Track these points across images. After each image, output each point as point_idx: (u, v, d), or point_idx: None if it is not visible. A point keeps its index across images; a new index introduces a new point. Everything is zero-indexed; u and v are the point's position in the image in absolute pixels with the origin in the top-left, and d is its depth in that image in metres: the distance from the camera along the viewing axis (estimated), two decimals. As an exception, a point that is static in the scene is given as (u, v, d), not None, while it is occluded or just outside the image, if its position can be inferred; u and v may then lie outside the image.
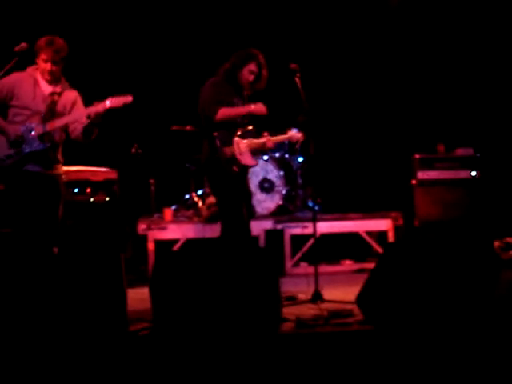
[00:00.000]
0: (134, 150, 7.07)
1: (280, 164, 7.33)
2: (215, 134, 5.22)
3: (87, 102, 4.95)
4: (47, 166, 4.86)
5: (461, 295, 4.07)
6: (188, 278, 4.03)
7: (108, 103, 4.72)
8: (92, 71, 7.39)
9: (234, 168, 5.25)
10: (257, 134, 5.49)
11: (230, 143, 5.24)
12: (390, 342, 3.92)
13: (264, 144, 5.51)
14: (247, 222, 5.41)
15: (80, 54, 6.87)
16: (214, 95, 5.25)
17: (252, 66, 5.34)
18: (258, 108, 5.39)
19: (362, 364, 3.65)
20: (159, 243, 6.63)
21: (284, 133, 5.77)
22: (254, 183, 7.14)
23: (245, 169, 5.41)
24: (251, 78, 5.37)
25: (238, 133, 5.32)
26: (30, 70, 4.89)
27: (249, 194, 5.59)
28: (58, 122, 4.80)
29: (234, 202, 5.29)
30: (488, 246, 4.64)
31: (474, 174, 7.25)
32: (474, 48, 8.14)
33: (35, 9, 7.35)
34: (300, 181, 7.48)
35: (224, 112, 5.19)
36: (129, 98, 4.78)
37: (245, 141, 5.35)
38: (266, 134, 5.66)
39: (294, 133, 5.73)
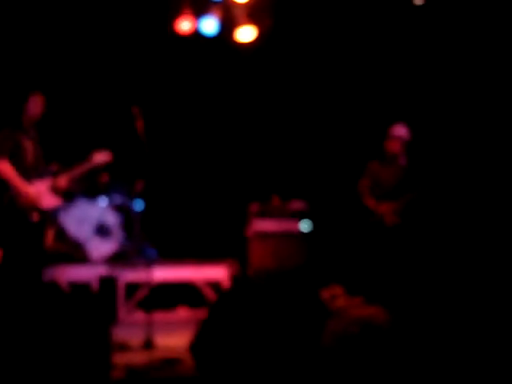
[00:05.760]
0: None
1: (118, 209, 7.24)
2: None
3: None
4: None
5: (288, 343, 4.19)
6: (12, 323, 3.83)
7: None
8: None
9: (35, 216, 5.09)
10: (58, 171, 5.36)
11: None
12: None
13: (67, 181, 5.37)
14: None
15: None
16: None
17: (36, 99, 5.22)
18: (102, 158, 5.40)
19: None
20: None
21: (87, 160, 5.54)
22: (89, 227, 7.00)
23: (45, 214, 5.23)
24: (39, 109, 5.23)
25: (35, 177, 5.18)
26: None
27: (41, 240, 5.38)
28: None
29: (24, 255, 5.09)
30: (315, 295, 4.82)
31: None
32: (307, 105, 8.59)
33: None
34: (138, 227, 7.41)
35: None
36: None
37: (44, 183, 5.22)
38: (55, 166, 5.47)
39: (98, 157, 5.54)
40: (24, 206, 5.02)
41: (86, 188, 7.33)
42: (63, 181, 5.34)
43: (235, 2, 7.54)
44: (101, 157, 5.52)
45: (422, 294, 5.57)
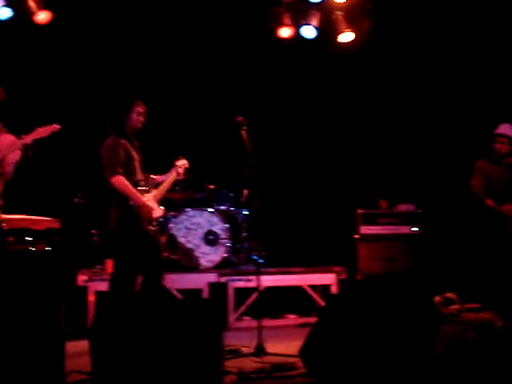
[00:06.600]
0: (77, 199, 6.97)
1: (225, 217, 7.34)
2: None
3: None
4: None
5: (401, 349, 4.10)
6: (130, 330, 3.95)
7: (35, 134, 4.69)
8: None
9: (151, 228, 5.14)
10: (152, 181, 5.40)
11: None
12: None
13: (167, 188, 5.40)
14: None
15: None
16: (111, 156, 5.06)
17: (139, 108, 5.22)
18: (183, 167, 5.46)
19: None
20: (100, 295, 6.48)
21: (171, 168, 5.57)
22: (198, 235, 7.14)
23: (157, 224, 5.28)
24: (141, 118, 5.24)
25: (145, 188, 5.19)
26: None
27: (158, 249, 5.38)
28: None
29: (137, 266, 5.14)
30: (428, 300, 4.70)
31: (415, 229, 7.39)
32: (415, 106, 8.41)
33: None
34: (245, 234, 7.49)
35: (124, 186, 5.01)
36: (56, 127, 4.74)
37: (151, 194, 5.25)
38: (152, 176, 5.45)
39: (179, 164, 5.55)
40: (142, 216, 5.08)
41: (194, 197, 7.49)
42: (163, 191, 5.39)
43: (334, 5, 7.52)
44: (180, 164, 5.55)
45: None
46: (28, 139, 4.72)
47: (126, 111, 5.17)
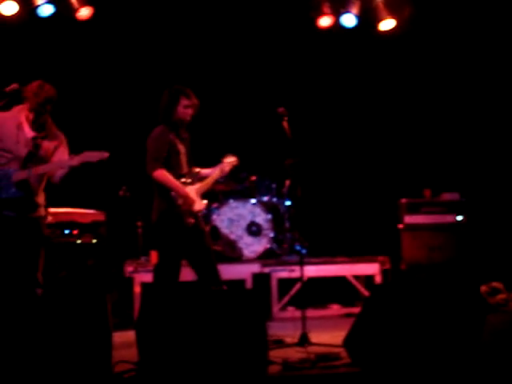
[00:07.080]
0: (122, 192, 7.05)
1: (268, 207, 7.37)
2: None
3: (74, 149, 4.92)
4: (24, 212, 4.73)
5: (447, 338, 4.07)
6: (175, 320, 4.01)
7: (83, 157, 4.65)
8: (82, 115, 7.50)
9: (191, 220, 5.08)
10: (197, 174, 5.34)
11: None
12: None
13: (210, 183, 5.34)
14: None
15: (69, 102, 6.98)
16: (154, 150, 5.01)
17: (185, 101, 5.10)
18: (230, 164, 5.41)
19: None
20: (145, 286, 6.57)
21: (217, 164, 5.48)
22: (241, 226, 7.19)
23: (196, 217, 5.19)
24: (189, 111, 5.13)
25: (188, 180, 5.14)
26: (15, 110, 4.78)
27: (204, 240, 5.24)
28: (39, 170, 4.70)
29: (180, 257, 5.12)
30: (474, 290, 4.65)
31: (459, 218, 7.31)
32: (459, 93, 8.28)
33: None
34: (287, 224, 7.49)
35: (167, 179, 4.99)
36: (105, 155, 4.67)
37: (194, 187, 5.18)
38: (197, 169, 5.40)
39: (227, 161, 5.47)
40: (182, 208, 5.04)
41: (237, 189, 7.52)
42: (206, 186, 5.33)
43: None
44: (228, 161, 5.48)
45: None
46: (75, 161, 4.68)
47: (173, 103, 5.09)
